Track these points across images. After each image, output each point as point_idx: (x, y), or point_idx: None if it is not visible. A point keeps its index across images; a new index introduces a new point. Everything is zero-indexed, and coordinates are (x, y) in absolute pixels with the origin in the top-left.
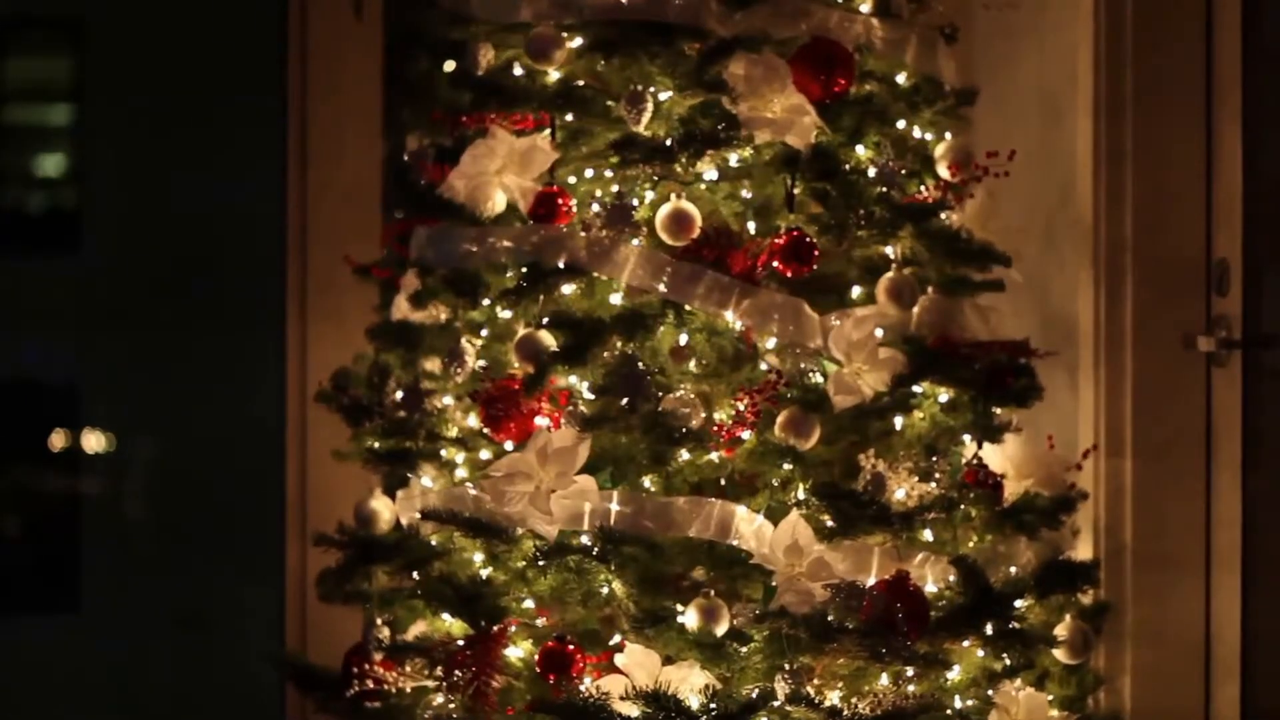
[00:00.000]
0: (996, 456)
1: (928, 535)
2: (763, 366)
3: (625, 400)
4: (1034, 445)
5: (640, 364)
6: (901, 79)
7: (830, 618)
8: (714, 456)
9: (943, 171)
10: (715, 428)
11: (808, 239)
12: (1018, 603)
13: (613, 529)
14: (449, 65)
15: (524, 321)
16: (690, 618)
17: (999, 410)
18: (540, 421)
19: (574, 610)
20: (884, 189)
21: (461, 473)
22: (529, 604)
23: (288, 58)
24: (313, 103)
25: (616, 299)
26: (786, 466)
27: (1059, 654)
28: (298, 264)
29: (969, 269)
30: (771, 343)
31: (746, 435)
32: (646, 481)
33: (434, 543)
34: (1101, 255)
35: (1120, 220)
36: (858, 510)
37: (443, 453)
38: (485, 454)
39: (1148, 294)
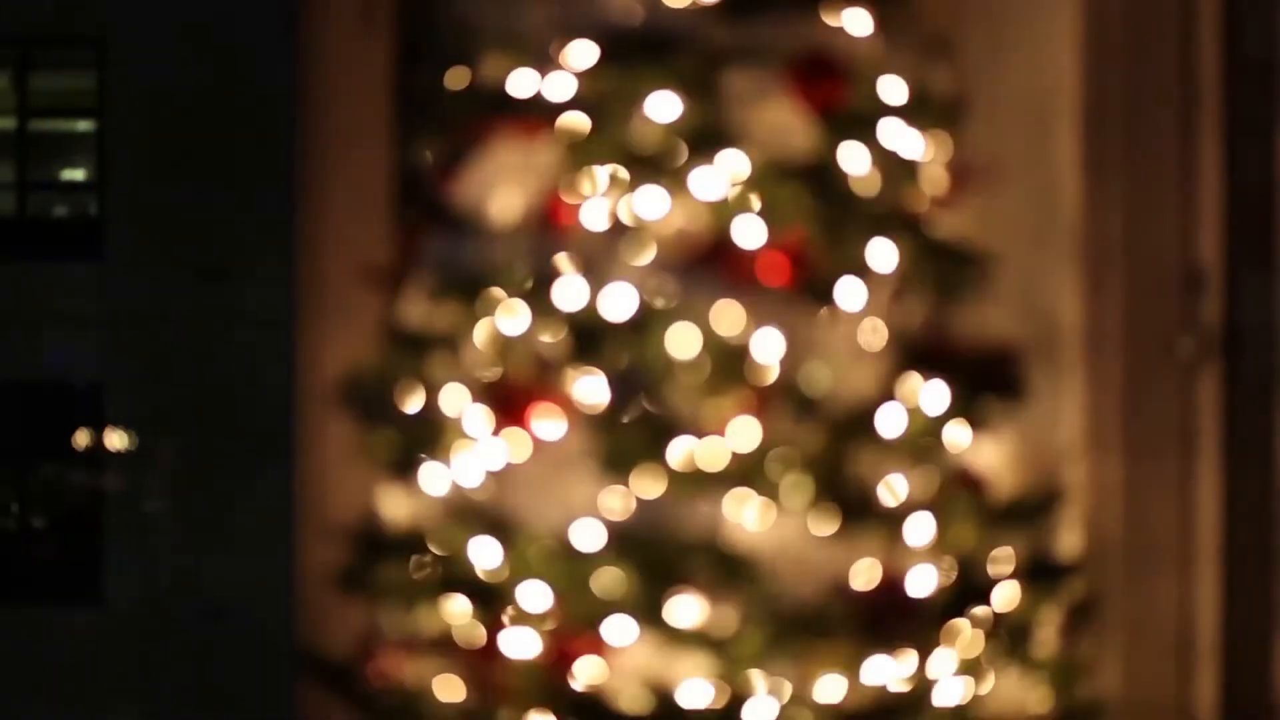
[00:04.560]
0: (984, 455)
1: (917, 531)
2: (760, 368)
3: (628, 401)
4: (1020, 444)
5: (642, 366)
6: (893, 91)
7: (823, 614)
8: (712, 456)
9: (933, 180)
10: (713, 428)
11: (803, 245)
12: (1003, 596)
13: (614, 527)
14: (457, 75)
15: (530, 325)
16: (688, 614)
17: (987, 410)
18: (546, 422)
19: (577, 605)
20: (876, 197)
21: (470, 471)
22: (535, 598)
23: (297, 69)
24: (323, 113)
25: (620, 302)
26: (781, 466)
27: (1043, 646)
28: (309, 269)
29: (958, 274)
30: (768, 345)
31: (743, 435)
32: (646, 480)
33: (444, 538)
34: (1087, 260)
35: (1105, 226)
36: (850, 508)
37: (451, 452)
38: (493, 453)
39: (1131, 298)
